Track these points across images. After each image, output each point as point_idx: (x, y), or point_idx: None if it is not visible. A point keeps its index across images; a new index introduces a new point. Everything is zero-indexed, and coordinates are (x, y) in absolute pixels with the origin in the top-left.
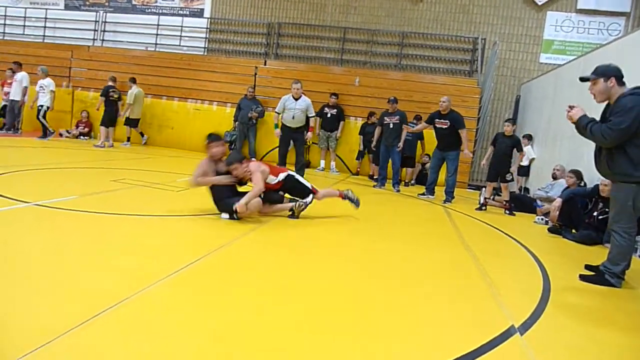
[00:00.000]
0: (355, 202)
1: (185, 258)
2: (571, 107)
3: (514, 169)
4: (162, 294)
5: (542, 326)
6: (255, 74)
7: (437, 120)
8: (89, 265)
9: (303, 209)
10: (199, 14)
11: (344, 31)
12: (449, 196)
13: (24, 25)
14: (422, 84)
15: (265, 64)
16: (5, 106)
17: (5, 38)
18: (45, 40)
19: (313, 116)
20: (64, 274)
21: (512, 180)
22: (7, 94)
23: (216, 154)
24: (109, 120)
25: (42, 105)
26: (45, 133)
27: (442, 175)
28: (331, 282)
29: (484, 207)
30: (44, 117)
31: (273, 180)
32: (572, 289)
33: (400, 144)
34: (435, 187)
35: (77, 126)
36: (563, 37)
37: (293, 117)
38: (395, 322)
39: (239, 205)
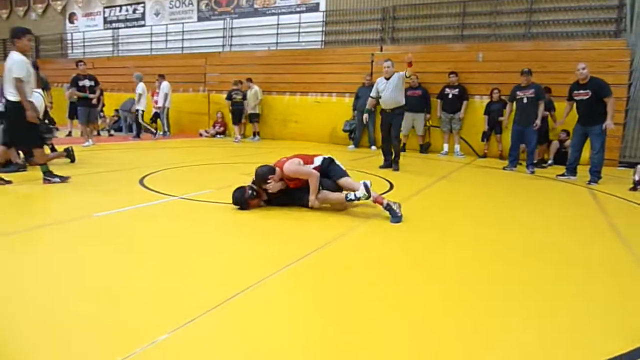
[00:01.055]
0: (395, 216)
1: (310, 246)
2: None
3: None
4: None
5: None
6: (372, 61)
7: (575, 92)
8: (226, 250)
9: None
10: (315, 8)
11: (464, 5)
12: (595, 176)
13: (166, 40)
14: (556, 52)
15: (381, 50)
16: (157, 114)
17: (153, 53)
18: (184, 51)
19: (406, 76)
20: (207, 257)
21: None
22: (157, 102)
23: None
24: (235, 118)
25: (138, 110)
26: (138, 134)
27: (585, 153)
28: (469, 273)
29: (639, 187)
30: (142, 119)
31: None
32: None
33: (538, 122)
34: (578, 167)
35: (214, 126)
36: None
37: (386, 99)
38: (543, 319)
39: (311, 202)
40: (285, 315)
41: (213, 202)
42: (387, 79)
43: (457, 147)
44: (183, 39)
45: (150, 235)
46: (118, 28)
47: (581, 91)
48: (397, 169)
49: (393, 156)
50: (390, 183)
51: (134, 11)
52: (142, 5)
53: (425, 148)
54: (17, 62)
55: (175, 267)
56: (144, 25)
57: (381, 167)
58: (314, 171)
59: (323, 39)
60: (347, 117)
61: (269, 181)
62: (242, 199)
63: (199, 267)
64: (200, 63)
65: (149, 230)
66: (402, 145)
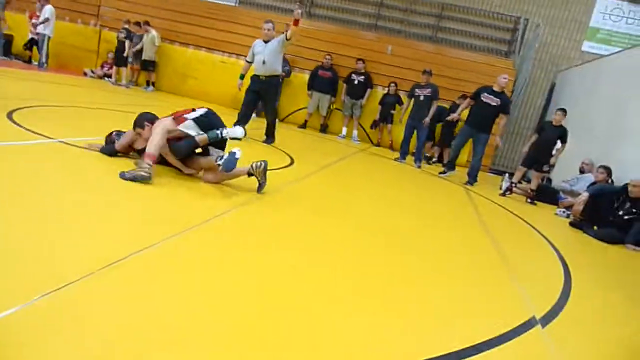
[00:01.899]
0: (260, 183)
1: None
2: None
3: (554, 160)
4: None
5: (563, 321)
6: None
7: (486, 94)
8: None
9: (262, 168)
10: None
11: None
12: (473, 179)
13: None
14: (455, 60)
15: None
16: (34, 40)
17: None
18: None
19: (287, 38)
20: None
21: (549, 172)
22: (35, 26)
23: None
24: (116, 59)
25: (46, 35)
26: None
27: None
28: (347, 254)
29: (508, 193)
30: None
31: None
32: (593, 285)
33: (427, 119)
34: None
35: (102, 67)
36: (610, 26)
37: (264, 63)
38: (413, 301)
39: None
40: (174, 278)
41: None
42: (266, 42)
43: (355, 132)
44: None
45: (26, 181)
46: None
47: (492, 97)
48: (271, 142)
49: (266, 129)
50: (292, 159)
51: None
52: None
53: (324, 128)
54: None
55: (57, 223)
56: None
57: (266, 142)
58: (155, 136)
59: None
60: None
61: (139, 128)
62: (108, 148)
63: (84, 225)
64: None
65: (24, 174)
66: (304, 122)
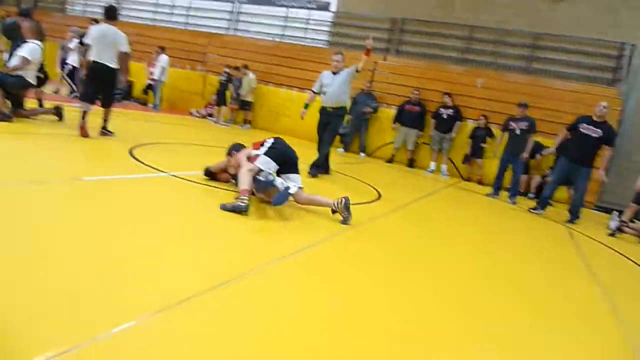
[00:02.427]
0: (344, 217)
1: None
2: None
3: None
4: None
5: None
6: (374, 69)
7: (585, 124)
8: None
9: (343, 205)
10: (325, 7)
11: (471, 29)
12: (574, 217)
13: (171, 13)
14: (552, 90)
15: (385, 60)
16: (151, 85)
17: (156, 24)
18: (188, 27)
19: (357, 70)
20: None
21: None
22: (152, 74)
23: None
24: (220, 100)
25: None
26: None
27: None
28: (441, 296)
29: (617, 233)
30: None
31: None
32: None
33: (526, 154)
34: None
35: (206, 107)
36: None
37: (329, 95)
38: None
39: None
40: (270, 305)
41: (202, 184)
42: (335, 73)
43: (444, 167)
44: (188, 15)
45: (139, 211)
46: None
47: (593, 127)
48: (314, 175)
49: (316, 160)
50: (379, 193)
51: None
52: None
53: (411, 163)
54: None
55: (163, 249)
56: None
57: (310, 172)
58: (244, 163)
59: (330, 39)
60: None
61: (229, 155)
62: (207, 169)
63: (184, 252)
64: (203, 42)
65: (137, 204)
66: (391, 157)
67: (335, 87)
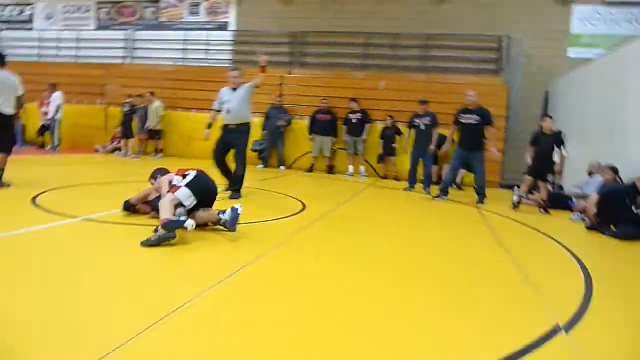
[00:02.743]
0: (230, 224)
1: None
2: None
3: (559, 168)
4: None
5: (587, 324)
6: (282, 83)
7: (463, 115)
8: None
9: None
10: (224, 27)
11: (367, 37)
12: (482, 196)
13: (57, 47)
14: (448, 85)
15: (290, 73)
16: (44, 126)
17: (41, 60)
18: (79, 61)
19: (256, 86)
20: (126, 285)
21: (554, 181)
22: (46, 114)
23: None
24: (126, 132)
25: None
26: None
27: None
28: (372, 285)
29: (517, 205)
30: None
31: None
32: (616, 285)
33: (432, 147)
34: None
35: (112, 141)
36: (592, 30)
37: (229, 112)
38: (439, 323)
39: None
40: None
41: (120, 224)
42: (234, 90)
43: (362, 168)
44: (78, 47)
45: (58, 262)
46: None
47: (469, 115)
48: (236, 197)
49: (231, 181)
50: (303, 204)
51: (21, 13)
52: (32, 7)
53: (331, 169)
54: None
55: (89, 297)
56: (31, 29)
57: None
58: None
59: (232, 58)
60: (257, 137)
61: (152, 179)
62: (126, 202)
63: (115, 295)
64: (99, 74)
65: (52, 257)
66: (311, 167)
67: (235, 103)
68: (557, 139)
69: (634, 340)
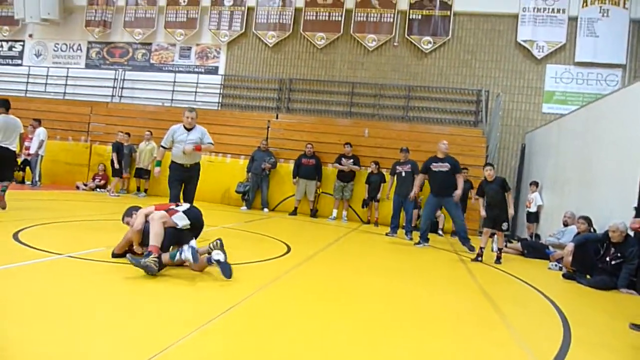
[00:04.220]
0: (224, 269)
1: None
2: None
3: (511, 212)
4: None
5: None
6: (268, 127)
7: (434, 164)
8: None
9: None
10: (213, 71)
11: (353, 86)
12: (465, 240)
13: (46, 83)
14: (429, 134)
15: (277, 118)
16: (27, 161)
17: (28, 95)
18: (66, 97)
19: (210, 143)
20: (111, 321)
21: (508, 230)
22: (28, 148)
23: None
24: (114, 171)
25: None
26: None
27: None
28: (348, 325)
29: (479, 259)
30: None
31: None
32: (592, 333)
33: (412, 194)
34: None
35: (93, 179)
36: (563, 88)
37: (184, 153)
38: None
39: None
40: None
41: (104, 262)
42: (189, 130)
43: (344, 213)
44: (66, 84)
45: (44, 297)
46: None
47: (442, 163)
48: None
49: None
50: (288, 246)
51: (11, 48)
52: (22, 43)
53: (314, 213)
54: None
55: (74, 337)
56: (20, 65)
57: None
58: (136, 225)
59: (220, 101)
60: (241, 179)
61: (127, 217)
62: (113, 252)
63: (102, 336)
64: (85, 111)
65: (33, 294)
66: (294, 209)
67: (192, 143)
68: (501, 184)
69: None
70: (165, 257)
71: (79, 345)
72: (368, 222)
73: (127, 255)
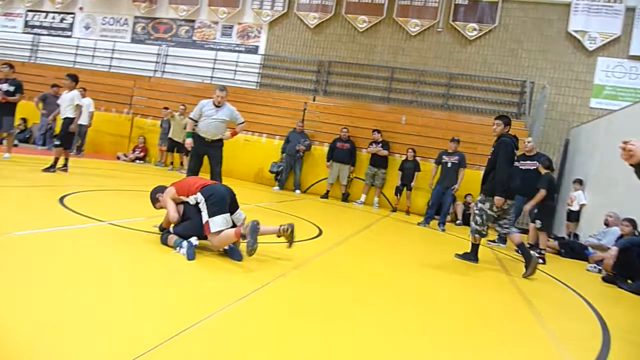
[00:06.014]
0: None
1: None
2: (626, 143)
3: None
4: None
5: None
6: (305, 109)
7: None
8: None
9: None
10: (254, 50)
11: (392, 71)
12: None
13: (93, 55)
14: (468, 124)
15: (314, 100)
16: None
17: (76, 66)
18: (111, 70)
19: (242, 123)
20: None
21: (542, 227)
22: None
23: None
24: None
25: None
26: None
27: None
28: (388, 324)
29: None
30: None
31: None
32: (632, 340)
33: (456, 186)
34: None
35: (134, 150)
36: (615, 82)
37: (210, 127)
38: None
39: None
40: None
41: (143, 231)
42: (218, 106)
43: (375, 199)
44: (112, 57)
45: (81, 264)
46: (40, 34)
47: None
48: None
49: None
50: (320, 229)
51: (62, 20)
52: (72, 15)
53: (345, 197)
54: None
55: (111, 302)
56: (70, 37)
57: None
58: (173, 215)
59: (259, 81)
60: (275, 159)
61: (157, 203)
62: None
63: (136, 303)
64: (129, 84)
65: (77, 258)
66: (326, 193)
67: (218, 121)
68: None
69: None
70: (170, 240)
71: (116, 312)
72: (395, 210)
73: (162, 235)
